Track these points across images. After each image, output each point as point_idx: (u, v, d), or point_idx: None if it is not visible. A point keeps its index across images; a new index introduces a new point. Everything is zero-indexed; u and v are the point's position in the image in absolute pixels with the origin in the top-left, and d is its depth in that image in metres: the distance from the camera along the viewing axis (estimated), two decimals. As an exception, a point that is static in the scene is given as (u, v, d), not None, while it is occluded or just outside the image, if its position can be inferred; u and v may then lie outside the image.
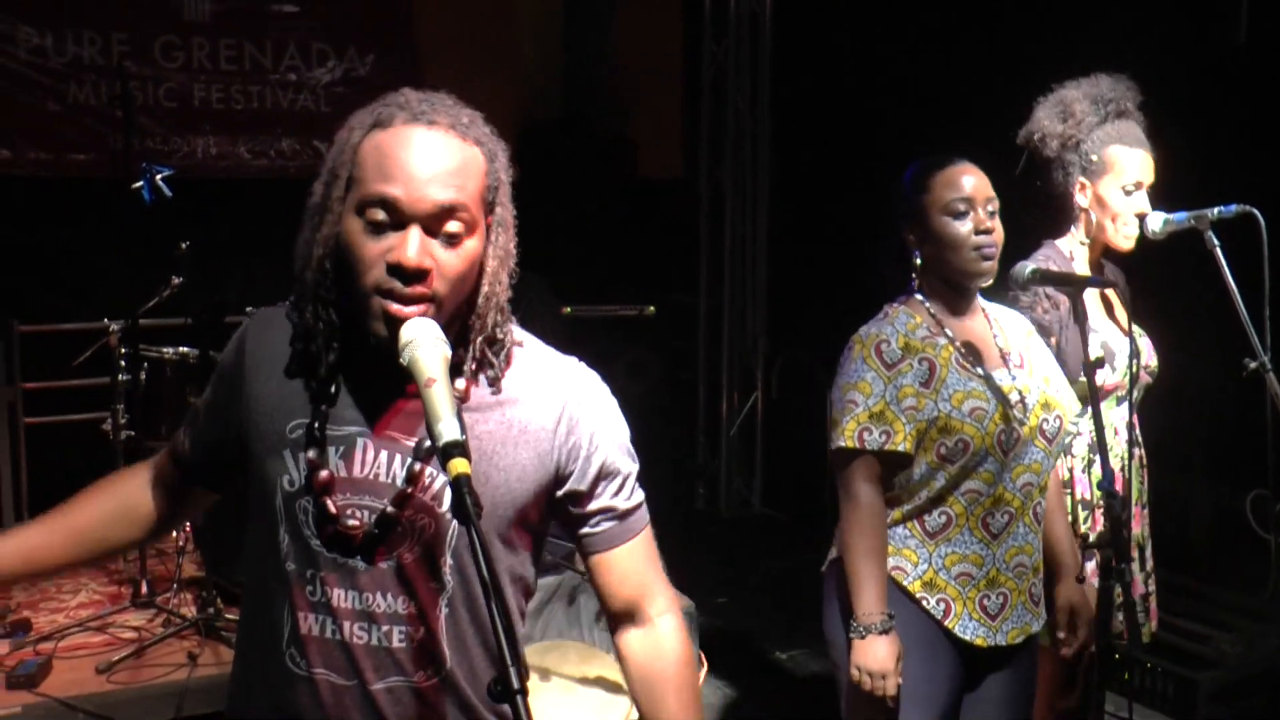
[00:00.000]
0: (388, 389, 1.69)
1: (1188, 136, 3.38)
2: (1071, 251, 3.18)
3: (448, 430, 1.46)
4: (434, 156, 1.62)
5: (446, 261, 1.62)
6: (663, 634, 1.86)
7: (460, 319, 1.70)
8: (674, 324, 7.88)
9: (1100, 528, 2.91)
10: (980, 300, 2.79)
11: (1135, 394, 3.15)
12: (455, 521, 1.65)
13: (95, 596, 4.87)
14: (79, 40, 6.53)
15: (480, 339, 1.71)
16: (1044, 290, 3.00)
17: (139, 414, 4.74)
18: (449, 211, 1.61)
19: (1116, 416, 3.12)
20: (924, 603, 2.65)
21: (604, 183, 7.61)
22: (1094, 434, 2.55)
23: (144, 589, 4.65)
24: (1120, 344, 3.10)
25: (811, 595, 2.88)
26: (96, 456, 5.12)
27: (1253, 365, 2.79)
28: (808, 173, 7.39)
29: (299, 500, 1.67)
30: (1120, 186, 3.10)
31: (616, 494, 1.80)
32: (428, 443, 1.64)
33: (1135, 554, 3.15)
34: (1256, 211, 2.86)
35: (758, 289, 8.04)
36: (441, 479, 1.65)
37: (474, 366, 1.71)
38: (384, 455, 1.68)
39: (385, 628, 1.68)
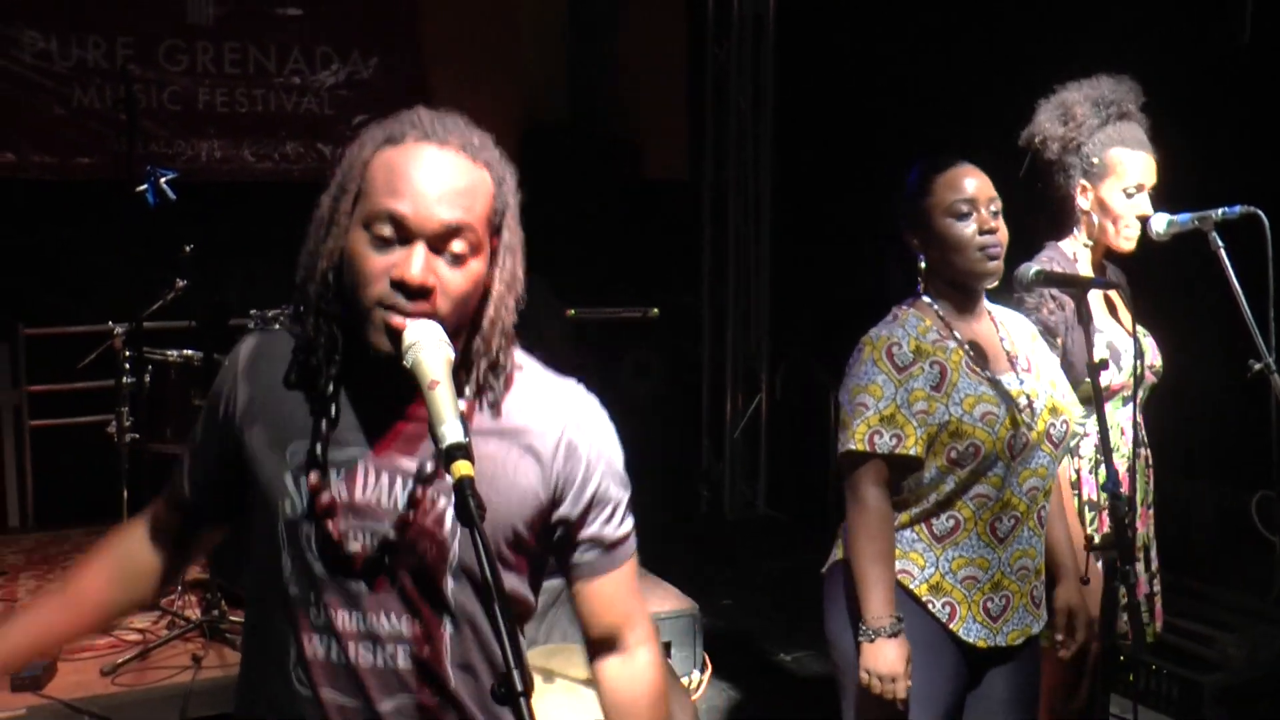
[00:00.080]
0: (388, 407, 1.69)
1: (1192, 137, 3.38)
2: (1074, 253, 3.18)
3: (451, 432, 1.46)
4: (443, 176, 1.62)
5: (450, 280, 1.62)
6: (640, 664, 1.86)
7: (461, 340, 1.69)
8: (677, 326, 7.89)
9: (1106, 529, 2.91)
10: (985, 303, 2.79)
11: (1140, 394, 3.14)
12: (456, 544, 1.66)
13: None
14: (84, 44, 6.54)
15: (484, 363, 1.71)
16: (1049, 291, 2.99)
17: (143, 417, 4.74)
18: (455, 231, 1.61)
19: (1122, 417, 3.12)
20: (930, 606, 2.64)
21: (607, 184, 7.61)
22: (1100, 435, 2.55)
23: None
24: (1125, 344, 3.10)
25: (815, 597, 2.87)
26: (101, 459, 5.14)
27: (1257, 366, 2.79)
28: (811, 174, 7.39)
29: (301, 525, 1.67)
30: (1121, 189, 3.10)
31: (606, 522, 1.80)
32: (429, 465, 1.65)
33: (1140, 555, 3.14)
34: (1261, 212, 2.85)
35: (761, 290, 8.04)
36: (444, 502, 1.66)
37: (475, 389, 1.71)
38: (385, 478, 1.68)
39: (390, 648, 1.68)
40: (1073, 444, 3.06)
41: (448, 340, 1.58)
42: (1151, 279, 3.30)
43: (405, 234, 1.60)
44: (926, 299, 2.72)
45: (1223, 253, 2.88)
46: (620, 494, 1.82)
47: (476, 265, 1.65)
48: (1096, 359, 2.59)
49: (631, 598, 1.86)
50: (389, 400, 1.68)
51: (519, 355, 1.79)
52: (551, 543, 1.80)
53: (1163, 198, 3.12)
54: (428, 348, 1.55)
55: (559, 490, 1.75)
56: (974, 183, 2.65)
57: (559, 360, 3.65)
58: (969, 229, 2.63)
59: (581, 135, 7.76)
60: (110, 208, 5.05)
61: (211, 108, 6.85)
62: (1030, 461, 2.66)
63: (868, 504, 2.61)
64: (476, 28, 7.35)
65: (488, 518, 1.62)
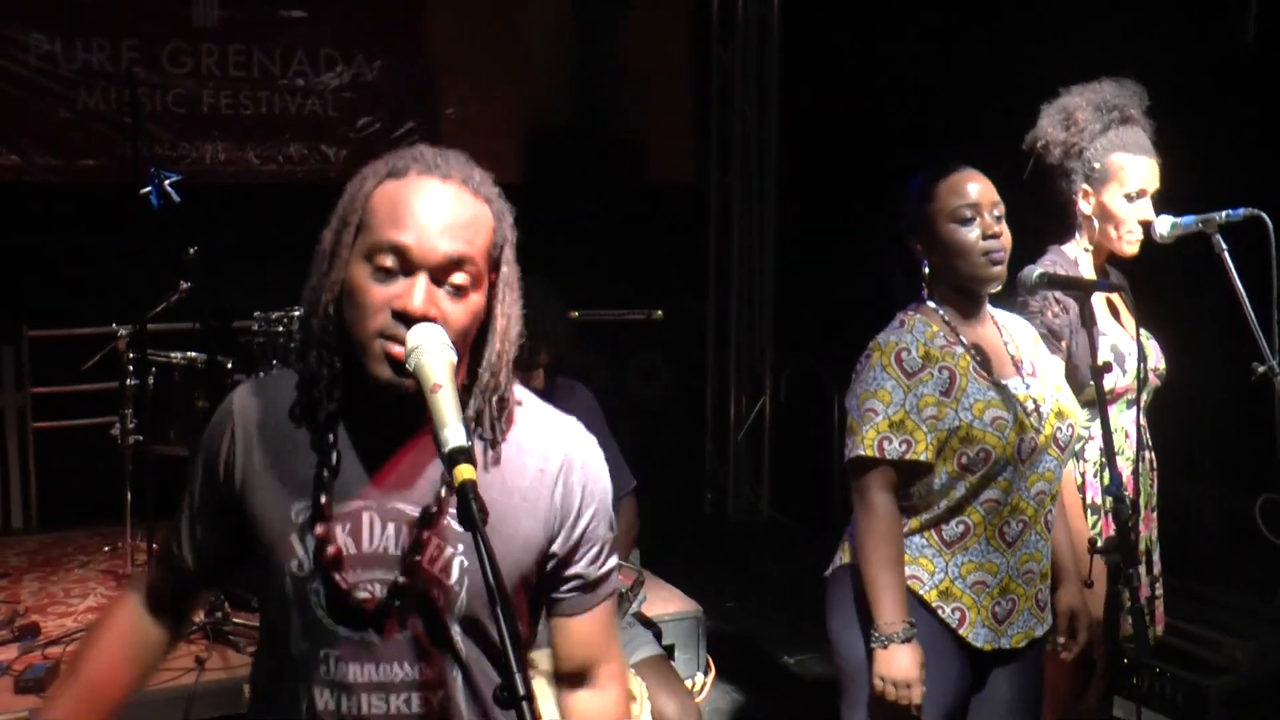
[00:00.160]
0: (389, 442, 1.69)
1: (1195, 138, 3.38)
2: (1077, 257, 3.17)
3: (454, 436, 1.47)
4: (446, 208, 1.63)
5: (451, 313, 1.62)
6: (608, 701, 1.87)
7: (466, 374, 1.69)
8: (681, 328, 7.89)
9: (1110, 532, 2.90)
10: (989, 308, 2.78)
11: (1144, 397, 3.14)
12: (464, 591, 1.67)
13: (103, 600, 4.89)
14: (88, 47, 6.55)
15: (494, 399, 1.71)
16: (1053, 295, 2.99)
17: (147, 419, 4.75)
18: (457, 263, 1.62)
19: (1126, 420, 3.12)
20: (940, 611, 2.64)
21: (611, 186, 7.61)
22: (1103, 438, 2.54)
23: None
24: (1129, 347, 3.09)
25: (819, 600, 2.87)
26: (104, 461, 5.15)
27: (1261, 369, 2.79)
28: (815, 178, 7.39)
29: (310, 582, 1.67)
30: (1123, 194, 3.09)
31: (592, 562, 1.80)
32: (434, 507, 1.66)
33: (1142, 558, 3.14)
34: (1264, 215, 2.85)
35: (765, 294, 8.04)
36: (449, 550, 1.67)
37: (475, 424, 1.70)
38: (391, 528, 1.68)
39: (403, 695, 1.69)
40: (1077, 448, 3.05)
41: (450, 344, 1.58)
42: (1155, 281, 3.30)
43: (408, 265, 1.61)
44: (932, 304, 2.72)
45: (1226, 255, 2.88)
46: (607, 534, 1.82)
47: (477, 298, 1.66)
48: (1100, 362, 2.59)
49: (607, 636, 1.87)
50: (392, 436, 1.69)
51: (519, 390, 1.79)
52: (541, 576, 1.79)
53: (1166, 200, 3.12)
54: (430, 351, 1.55)
55: (554, 529, 1.75)
56: (977, 187, 2.65)
57: (563, 362, 3.65)
58: (972, 234, 2.63)
59: (586, 137, 7.76)
60: (115, 210, 5.06)
61: (216, 110, 6.86)
62: (1038, 466, 2.66)
63: (876, 510, 2.61)
64: (481, 30, 7.35)
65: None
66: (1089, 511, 3.10)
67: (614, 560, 1.85)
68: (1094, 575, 2.76)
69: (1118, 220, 3.10)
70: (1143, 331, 3.15)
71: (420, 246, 1.60)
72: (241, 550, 1.76)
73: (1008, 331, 2.80)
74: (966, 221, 2.63)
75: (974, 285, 2.68)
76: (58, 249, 6.20)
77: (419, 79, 7.23)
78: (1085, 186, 3.14)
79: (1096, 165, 3.11)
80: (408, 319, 1.59)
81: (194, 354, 4.75)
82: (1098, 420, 2.65)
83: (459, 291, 1.63)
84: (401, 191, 1.64)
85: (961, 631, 2.64)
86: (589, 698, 1.86)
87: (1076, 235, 3.20)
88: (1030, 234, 2.98)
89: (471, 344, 1.69)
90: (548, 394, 2.38)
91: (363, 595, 1.66)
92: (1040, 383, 2.74)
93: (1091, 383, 2.63)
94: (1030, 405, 2.66)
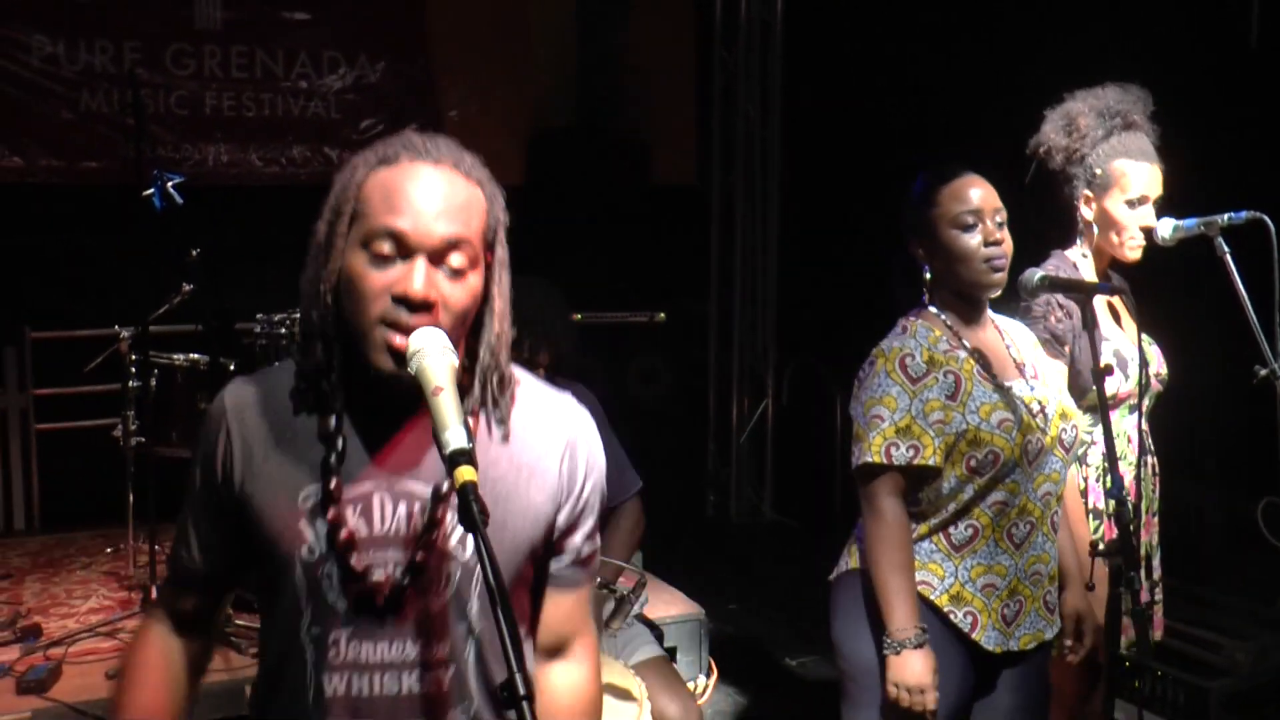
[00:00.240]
0: (393, 426, 1.70)
1: (1197, 141, 3.37)
2: (1077, 262, 3.17)
3: (455, 438, 1.47)
4: (439, 192, 1.64)
5: (451, 295, 1.63)
6: (582, 676, 1.90)
7: (464, 355, 1.70)
8: (684, 330, 7.89)
9: (1113, 536, 2.91)
10: (989, 313, 2.79)
11: (1146, 402, 3.14)
12: (478, 565, 1.65)
13: (105, 602, 4.89)
14: (91, 48, 6.56)
15: (495, 377, 1.73)
16: (1056, 299, 2.99)
17: (149, 420, 4.75)
18: (454, 245, 1.63)
19: (1129, 425, 3.12)
20: (951, 616, 2.64)
21: (615, 188, 7.62)
22: (1105, 442, 2.54)
23: (153, 594, 4.65)
24: (1131, 352, 3.09)
25: (822, 602, 2.87)
26: (107, 463, 5.15)
27: (1263, 372, 2.79)
28: (818, 179, 7.40)
29: (321, 567, 1.67)
30: (1125, 200, 3.09)
31: (587, 537, 1.84)
32: (445, 485, 1.66)
33: (1142, 563, 3.14)
34: (1266, 218, 2.85)
35: (768, 296, 8.04)
36: (462, 527, 1.65)
37: (481, 404, 1.73)
38: (402, 506, 1.69)
39: (415, 673, 1.69)
40: (1080, 452, 3.06)
41: (452, 348, 1.59)
42: (1156, 284, 3.30)
43: (405, 250, 1.61)
44: (933, 309, 2.72)
45: (1228, 258, 2.88)
46: (598, 509, 1.85)
47: (474, 279, 1.67)
48: (1108, 364, 2.59)
49: (586, 614, 1.91)
50: (393, 419, 1.69)
51: (516, 370, 1.81)
52: (547, 548, 1.82)
53: (1168, 203, 3.12)
54: (432, 354, 1.56)
55: (561, 500, 1.78)
56: (979, 193, 2.65)
57: (564, 363, 3.64)
58: (974, 240, 2.62)
59: (589, 140, 7.78)
60: (117, 212, 5.06)
61: (219, 112, 6.87)
62: (1044, 467, 2.66)
63: (886, 516, 2.61)
64: (485, 32, 7.36)
65: (510, 539, 1.70)
66: (1091, 516, 3.10)
67: (598, 542, 1.88)
68: (1095, 579, 2.76)
69: (1119, 226, 3.10)
70: (1145, 337, 3.15)
71: (417, 231, 1.61)
72: (247, 547, 1.75)
73: (1009, 335, 2.80)
74: (968, 228, 2.63)
75: (975, 291, 2.68)
76: (60, 250, 6.22)
77: (421, 80, 7.23)
78: (1087, 192, 3.14)
79: (1098, 171, 3.11)
80: (409, 303, 1.60)
81: (196, 356, 4.75)
82: (1100, 425, 2.65)
83: (457, 273, 1.64)
84: (394, 178, 1.65)
85: (974, 636, 2.64)
86: (565, 671, 1.89)
87: (1078, 240, 3.19)
88: (1031, 238, 2.98)
89: (470, 327, 1.70)
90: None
91: (377, 576, 1.67)
92: (1043, 385, 2.74)
93: (1094, 387, 2.63)
94: (1035, 407, 2.66)
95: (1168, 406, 3.28)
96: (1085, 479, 3.10)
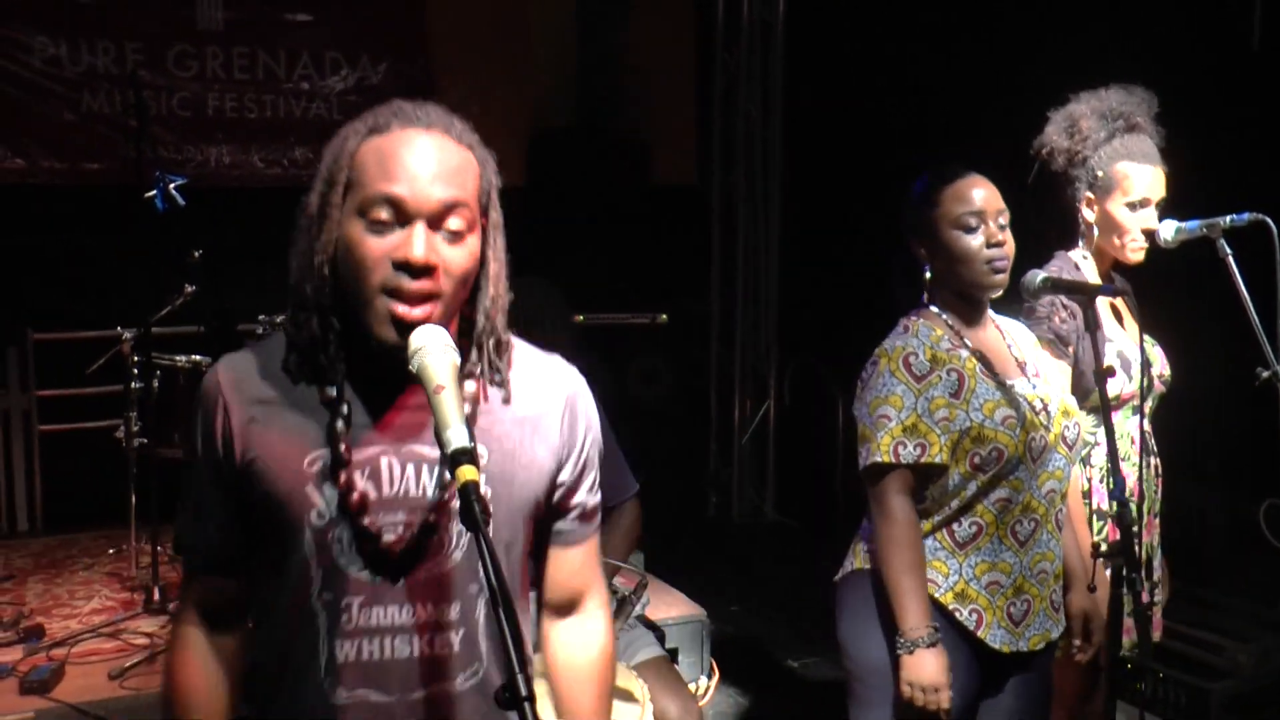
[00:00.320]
0: (395, 392, 1.70)
1: (1199, 142, 3.37)
2: (1079, 263, 3.17)
3: (456, 437, 1.47)
4: (434, 156, 1.64)
5: (451, 258, 1.64)
6: (593, 629, 1.95)
7: (460, 320, 1.72)
8: (686, 331, 7.89)
9: (1116, 537, 2.90)
10: (990, 313, 2.79)
11: (1149, 403, 3.14)
12: (492, 525, 1.69)
13: (108, 603, 4.89)
14: (93, 50, 6.56)
15: (491, 341, 1.74)
16: (1060, 300, 2.99)
17: (151, 422, 4.76)
18: (451, 208, 1.64)
19: (1132, 426, 3.11)
20: (956, 614, 2.63)
21: (616, 189, 7.62)
22: (1107, 443, 2.54)
23: (156, 595, 4.66)
24: (1135, 353, 3.08)
25: (824, 602, 2.87)
26: (109, 464, 5.16)
27: (1265, 374, 2.78)
28: (820, 179, 7.40)
29: (332, 530, 1.67)
30: (1126, 203, 3.08)
31: (589, 490, 1.89)
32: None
33: (1143, 564, 3.14)
34: (1269, 220, 2.85)
35: (770, 296, 8.04)
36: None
37: (483, 369, 1.74)
38: (410, 469, 1.69)
39: (426, 637, 1.70)
40: (1084, 453, 3.06)
41: (454, 345, 1.59)
42: (1158, 286, 3.30)
43: (403, 216, 1.62)
44: (934, 309, 2.72)
45: (1231, 260, 2.87)
46: (597, 463, 1.90)
47: (473, 242, 1.68)
48: (1105, 367, 2.59)
49: (595, 565, 1.95)
50: (394, 386, 1.69)
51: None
52: (549, 507, 1.85)
53: (1170, 204, 3.11)
54: (434, 352, 1.56)
55: (563, 456, 1.82)
56: (982, 194, 2.64)
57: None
58: (976, 241, 2.62)
59: (590, 140, 7.78)
60: (119, 213, 5.07)
61: (221, 113, 6.88)
62: (1048, 464, 2.66)
63: (896, 515, 2.60)
64: (485, 33, 7.36)
65: (516, 492, 1.74)
66: (1095, 517, 3.09)
67: (600, 493, 1.92)
68: (1097, 580, 2.75)
69: (1121, 229, 3.10)
70: (1148, 338, 3.15)
71: (414, 196, 1.62)
72: (249, 520, 1.73)
73: (1009, 335, 2.81)
74: (971, 229, 2.62)
75: (976, 292, 2.68)
76: (62, 252, 6.22)
77: (421, 80, 7.23)
78: (1089, 194, 3.14)
79: (1100, 174, 3.11)
80: (410, 268, 1.60)
81: (198, 357, 4.76)
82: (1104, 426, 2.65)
83: (456, 236, 1.65)
84: (388, 145, 1.65)
85: (980, 634, 2.63)
86: (574, 627, 1.94)
87: (1080, 242, 3.19)
88: (1032, 238, 2.98)
89: (470, 291, 1.71)
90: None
91: (388, 538, 1.67)
92: (1044, 383, 2.75)
93: (1097, 388, 2.63)
94: (1038, 404, 2.66)
95: (1170, 408, 3.28)
96: (1089, 480, 3.10)
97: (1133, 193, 3.08)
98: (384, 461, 1.69)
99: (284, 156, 7.00)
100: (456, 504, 1.63)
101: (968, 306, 2.71)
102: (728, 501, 8.03)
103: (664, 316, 7.66)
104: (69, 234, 6.22)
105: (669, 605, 4.76)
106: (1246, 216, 2.89)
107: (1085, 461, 3.08)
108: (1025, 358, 2.77)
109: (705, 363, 8.16)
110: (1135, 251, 3.11)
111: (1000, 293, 2.68)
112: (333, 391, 1.68)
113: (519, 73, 7.51)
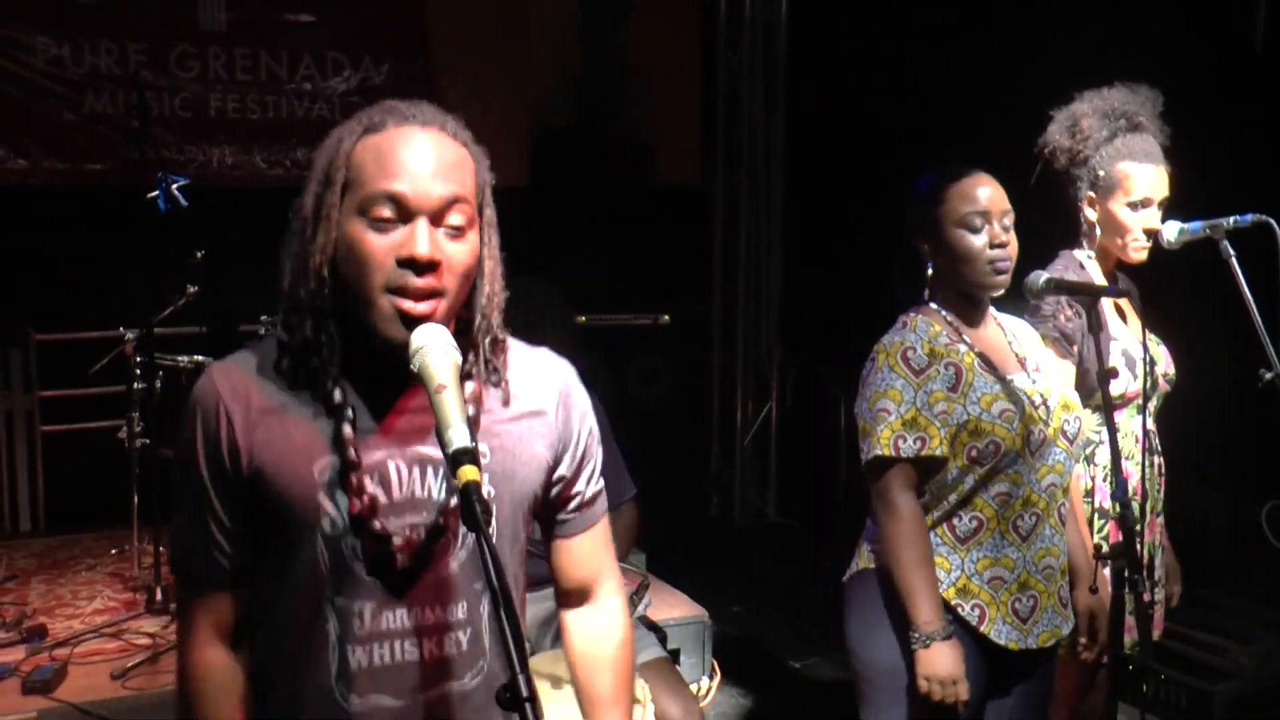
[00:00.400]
0: (397, 394, 1.70)
1: (1202, 143, 3.37)
2: (1084, 262, 3.17)
3: (458, 437, 1.47)
4: (432, 152, 1.64)
5: (454, 254, 1.64)
6: (608, 615, 1.97)
7: (460, 319, 1.72)
8: (688, 332, 7.89)
9: (1118, 537, 2.90)
10: (992, 311, 2.79)
11: (1154, 402, 3.14)
12: (494, 521, 1.71)
13: (110, 603, 4.89)
14: (95, 50, 6.57)
15: (488, 339, 1.74)
16: (1065, 299, 2.99)
17: (154, 422, 4.76)
18: (452, 203, 1.64)
19: (1136, 425, 3.10)
20: (959, 609, 2.63)
21: (618, 189, 7.62)
22: (1109, 443, 2.54)
23: (158, 596, 4.66)
24: (1140, 352, 3.08)
25: (825, 603, 2.87)
26: (112, 464, 5.16)
27: (1268, 376, 2.78)
28: (823, 180, 7.40)
29: (344, 538, 1.66)
30: (1128, 202, 3.08)
31: (589, 480, 1.90)
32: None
33: (1145, 564, 3.14)
34: (1272, 221, 2.84)
35: (772, 296, 8.03)
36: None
37: (481, 367, 1.74)
38: (417, 471, 1.69)
39: (435, 638, 1.71)
40: (1088, 451, 3.06)
41: (455, 344, 1.59)
42: (1161, 287, 3.30)
43: (405, 213, 1.61)
44: (934, 305, 2.72)
45: (1234, 261, 2.87)
46: (598, 452, 1.91)
47: (474, 237, 1.68)
48: (1109, 366, 2.59)
49: (606, 552, 1.97)
50: (395, 387, 1.69)
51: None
52: (547, 501, 1.86)
53: (1173, 205, 3.11)
54: (435, 351, 1.56)
55: (560, 450, 1.84)
56: (988, 193, 2.64)
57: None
58: (979, 241, 2.62)
59: (592, 139, 7.78)
60: (122, 214, 5.07)
61: (223, 114, 6.88)
62: (1047, 458, 2.66)
63: (900, 510, 2.60)
64: (487, 33, 7.37)
65: (517, 489, 1.76)
66: (1097, 516, 3.10)
67: (603, 480, 1.94)
68: (1099, 581, 2.75)
69: (1123, 228, 3.10)
70: (1153, 337, 3.15)
71: (416, 192, 1.61)
72: (263, 518, 1.70)
73: (1010, 331, 2.81)
74: (975, 229, 2.62)
75: (977, 291, 2.68)
76: (65, 253, 6.22)
77: (423, 81, 7.24)
78: (1090, 194, 3.13)
79: (1101, 173, 3.10)
80: (415, 265, 1.60)
81: (200, 357, 4.76)
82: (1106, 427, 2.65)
83: (458, 232, 1.65)
84: (385, 143, 1.65)
85: (983, 629, 2.63)
86: (589, 615, 1.96)
87: (1084, 241, 3.19)
88: (1035, 238, 2.98)
89: (471, 286, 1.71)
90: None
91: (399, 542, 1.67)
92: (1045, 378, 2.75)
93: (1100, 389, 2.62)
94: (1037, 399, 2.66)
95: (1173, 409, 3.28)
96: (1093, 479, 3.10)
97: (1134, 192, 3.07)
98: (391, 465, 1.68)
99: (286, 157, 7.01)
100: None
101: (968, 305, 2.71)
102: (729, 502, 8.03)
103: (666, 317, 7.67)
104: (71, 234, 6.23)
105: (671, 606, 4.76)
106: (1249, 217, 2.88)
107: (1089, 460, 3.08)
108: (1026, 354, 2.78)
109: (707, 363, 8.16)
110: (1138, 251, 3.11)
111: (1001, 292, 2.69)
112: (337, 396, 1.67)
113: (520, 73, 7.51)
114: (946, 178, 2.69)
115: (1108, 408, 2.54)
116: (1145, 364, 3.00)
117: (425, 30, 7.30)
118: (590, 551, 1.93)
